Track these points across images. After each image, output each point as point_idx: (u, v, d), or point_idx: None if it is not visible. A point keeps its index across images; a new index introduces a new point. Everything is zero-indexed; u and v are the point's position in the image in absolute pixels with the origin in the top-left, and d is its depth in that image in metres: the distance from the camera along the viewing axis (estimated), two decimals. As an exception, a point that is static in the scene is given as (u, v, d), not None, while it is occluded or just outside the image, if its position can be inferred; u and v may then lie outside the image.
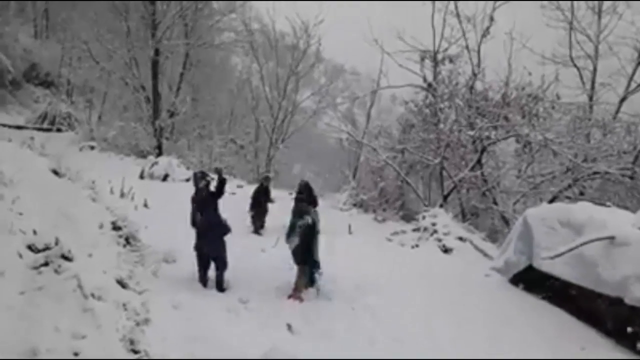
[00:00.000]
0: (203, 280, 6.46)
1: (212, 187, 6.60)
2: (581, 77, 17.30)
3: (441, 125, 15.19)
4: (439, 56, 16.55)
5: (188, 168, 16.34)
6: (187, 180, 10.41)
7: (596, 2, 16.82)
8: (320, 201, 8.61)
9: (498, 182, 14.34)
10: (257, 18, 25.52)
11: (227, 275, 6.60)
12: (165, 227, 7.23)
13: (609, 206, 7.64)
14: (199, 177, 6.57)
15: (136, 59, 19.03)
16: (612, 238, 5.97)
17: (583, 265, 6.18)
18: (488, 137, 13.80)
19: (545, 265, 6.85)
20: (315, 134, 29.43)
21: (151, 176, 14.90)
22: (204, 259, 6.47)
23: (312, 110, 27.35)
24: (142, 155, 18.49)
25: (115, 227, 6.41)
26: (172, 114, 20.51)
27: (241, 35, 23.19)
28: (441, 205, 13.70)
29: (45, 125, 20.88)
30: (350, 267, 7.70)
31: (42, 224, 4.56)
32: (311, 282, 6.74)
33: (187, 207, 6.61)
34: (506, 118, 13.88)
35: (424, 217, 12.03)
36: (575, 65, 17.25)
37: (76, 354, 3.38)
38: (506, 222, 13.26)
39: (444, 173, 14.93)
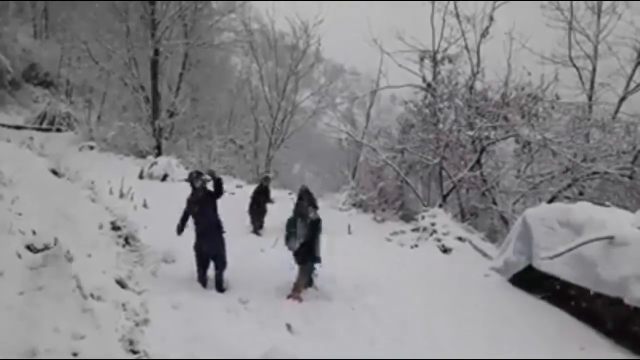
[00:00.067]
0: (202, 280, 6.46)
1: (209, 187, 6.59)
2: (580, 77, 17.32)
3: (440, 125, 15.20)
4: (439, 56, 16.56)
5: (187, 168, 16.32)
6: (186, 180, 10.40)
7: (595, 2, 16.84)
8: (319, 201, 8.63)
9: (497, 182, 14.35)
10: (256, 18, 25.54)
11: (227, 275, 6.60)
12: (164, 227, 7.21)
13: (608, 206, 7.63)
14: (195, 177, 6.55)
15: (135, 59, 19.00)
16: (611, 238, 5.97)
17: (582, 265, 6.18)
18: (487, 137, 13.82)
19: (545, 265, 6.85)
20: (314, 134, 29.42)
21: (150, 176, 14.89)
22: (203, 259, 6.46)
23: (311, 110, 27.35)
24: (142, 155, 18.47)
25: (115, 227, 6.41)
26: (171, 114, 20.50)
27: (241, 35, 23.17)
28: (440, 205, 13.71)
29: (44, 126, 20.86)
30: (350, 267, 7.70)
31: (41, 224, 4.55)
32: (310, 282, 6.75)
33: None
34: (505, 118, 13.89)
35: (423, 217, 12.03)
36: (574, 65, 17.27)
37: (75, 354, 3.38)
38: (505, 222, 13.27)
39: (444, 173, 14.95)
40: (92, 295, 4.06)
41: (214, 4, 22.36)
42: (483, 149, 14.03)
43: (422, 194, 15.77)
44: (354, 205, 15.14)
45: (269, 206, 10.90)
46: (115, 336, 3.94)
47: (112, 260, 5.42)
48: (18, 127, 19.04)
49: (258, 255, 8.30)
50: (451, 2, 16.24)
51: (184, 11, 19.29)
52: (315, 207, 7.43)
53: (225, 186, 6.61)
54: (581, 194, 13.23)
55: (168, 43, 19.33)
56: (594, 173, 12.55)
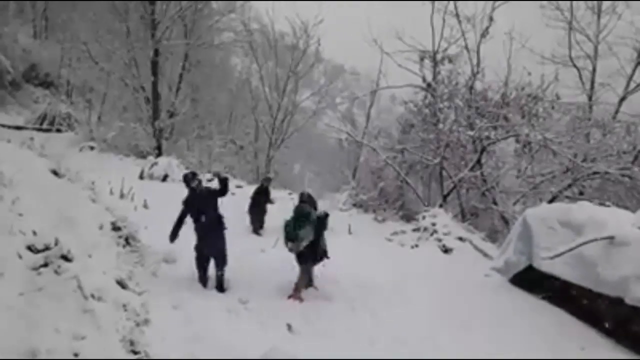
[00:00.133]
0: (203, 280, 6.46)
1: (211, 186, 6.58)
2: (580, 77, 17.34)
3: (441, 125, 15.20)
4: (439, 56, 16.57)
5: (187, 168, 16.31)
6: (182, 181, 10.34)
7: (595, 2, 16.86)
8: (319, 202, 8.63)
9: (498, 182, 14.34)
10: (256, 18, 25.61)
11: (227, 275, 6.60)
12: (165, 228, 7.20)
13: (608, 206, 7.64)
14: (190, 178, 6.54)
15: (136, 59, 19.01)
16: (611, 238, 5.96)
17: (583, 265, 6.18)
18: (488, 137, 13.80)
19: (545, 265, 6.85)
20: (315, 134, 29.43)
21: (151, 177, 14.90)
22: (204, 259, 6.46)
23: (311, 111, 27.40)
24: (142, 155, 18.48)
25: (115, 228, 6.40)
26: (171, 114, 20.51)
27: (241, 35, 23.20)
28: (441, 205, 13.71)
29: (44, 126, 20.88)
30: (350, 267, 7.69)
31: (41, 224, 4.55)
32: (310, 282, 6.75)
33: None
34: (506, 118, 13.89)
35: (423, 217, 12.03)
36: (574, 65, 17.28)
37: (76, 355, 3.38)
38: (506, 222, 13.26)
39: (444, 173, 14.94)
40: (92, 296, 4.06)
41: (214, 4, 22.41)
42: (483, 149, 14.03)
43: (423, 194, 15.77)
44: (354, 205, 15.14)
45: (269, 206, 10.91)
46: (116, 336, 3.94)
47: (113, 261, 5.42)
48: (18, 128, 19.06)
49: (258, 255, 8.30)
50: (451, 2, 16.29)
51: (184, 11, 19.31)
52: (316, 210, 7.42)
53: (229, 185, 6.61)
54: (581, 194, 13.23)
55: (168, 43, 19.36)
56: (595, 173, 12.54)
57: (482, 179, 14.18)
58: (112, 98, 22.95)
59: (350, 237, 11.10)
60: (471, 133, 14.09)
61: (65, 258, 4.18)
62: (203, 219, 6.40)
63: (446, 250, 10.64)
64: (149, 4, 18.27)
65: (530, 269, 7.31)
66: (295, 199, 10.83)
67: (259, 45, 25.23)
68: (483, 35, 15.75)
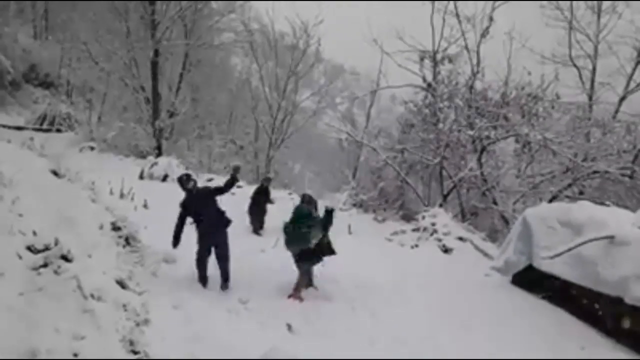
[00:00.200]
0: (203, 280, 6.45)
1: (206, 185, 6.58)
2: (581, 77, 17.36)
3: (441, 125, 15.20)
4: (439, 56, 16.57)
5: (187, 168, 16.33)
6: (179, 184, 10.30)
7: (595, 1, 16.88)
8: (319, 202, 8.63)
9: (498, 182, 14.35)
10: (256, 18, 25.60)
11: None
12: (165, 228, 7.21)
13: (608, 205, 7.64)
14: (185, 180, 6.55)
15: (136, 59, 19.02)
16: (611, 237, 5.97)
17: (583, 264, 6.18)
18: (487, 137, 13.81)
19: (545, 265, 6.86)
20: (315, 134, 29.42)
21: (151, 177, 14.90)
22: (205, 258, 6.45)
23: (311, 111, 27.39)
24: (142, 155, 18.49)
25: (115, 228, 6.40)
26: (171, 114, 20.52)
27: (241, 35, 23.20)
28: (441, 205, 13.71)
29: (44, 126, 20.89)
30: (350, 267, 7.69)
31: (41, 224, 4.55)
32: (310, 281, 6.75)
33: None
34: (506, 118, 13.90)
35: (423, 217, 12.03)
36: (574, 65, 17.30)
37: (76, 355, 3.38)
38: (506, 221, 13.26)
39: (444, 173, 14.94)
40: (92, 296, 4.06)
41: (214, 4, 22.40)
42: (483, 149, 14.03)
43: (423, 193, 15.77)
44: (354, 205, 15.13)
45: (269, 206, 10.91)
46: (116, 336, 3.94)
47: (113, 261, 5.42)
48: (18, 128, 19.07)
49: (258, 255, 8.30)
50: (451, 2, 16.29)
51: (184, 11, 19.31)
52: (316, 210, 7.42)
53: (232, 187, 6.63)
54: (581, 193, 13.23)
55: (168, 43, 19.37)
56: (594, 172, 12.55)
57: (482, 178, 14.18)
58: (112, 98, 22.97)
59: (350, 237, 11.09)
60: (471, 133, 14.10)
61: (65, 258, 4.18)
62: (203, 219, 6.40)
63: (446, 250, 10.63)
64: (149, 4, 18.27)
65: (530, 268, 7.32)
66: (295, 199, 10.84)
67: (259, 45, 25.23)
68: (483, 35, 15.76)
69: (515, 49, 16.40)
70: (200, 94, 24.07)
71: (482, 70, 15.67)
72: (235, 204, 10.01)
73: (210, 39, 21.99)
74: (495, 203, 13.84)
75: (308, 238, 6.38)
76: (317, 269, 6.85)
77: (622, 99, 16.06)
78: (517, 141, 14.22)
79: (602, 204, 7.96)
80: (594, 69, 17.11)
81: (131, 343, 4.01)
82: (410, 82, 16.53)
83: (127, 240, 6.45)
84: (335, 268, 7.11)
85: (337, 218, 7.19)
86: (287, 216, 6.82)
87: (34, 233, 4.37)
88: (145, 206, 10.37)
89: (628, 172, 12.03)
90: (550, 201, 11.91)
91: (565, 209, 7.27)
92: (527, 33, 16.61)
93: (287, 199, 13.19)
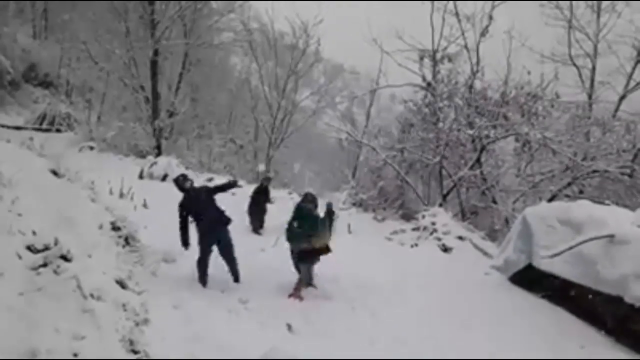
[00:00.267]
0: (203, 280, 6.45)
1: (204, 185, 6.59)
2: (580, 76, 17.36)
3: (440, 124, 15.20)
4: (438, 55, 16.59)
5: (187, 168, 16.34)
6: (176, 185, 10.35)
7: (595, 1, 16.89)
8: (319, 201, 8.64)
9: (497, 181, 14.35)
10: (256, 18, 25.55)
11: (227, 275, 6.61)
12: (164, 227, 7.21)
13: (608, 204, 7.65)
14: (182, 181, 6.56)
15: (135, 59, 18.99)
16: (611, 236, 5.97)
17: (582, 263, 6.18)
18: (487, 136, 13.81)
19: (545, 264, 6.86)
20: (314, 134, 29.40)
21: (150, 176, 14.89)
22: (206, 257, 6.45)
23: (311, 110, 27.38)
24: (141, 155, 18.48)
25: (115, 228, 6.39)
26: (171, 114, 20.50)
27: (240, 35, 23.17)
28: (441, 204, 13.71)
29: (44, 126, 20.87)
30: (350, 266, 7.69)
31: (41, 224, 4.55)
32: (310, 281, 6.76)
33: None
34: (505, 117, 13.90)
35: (423, 216, 12.03)
36: (574, 64, 17.30)
37: (76, 355, 3.37)
38: (506, 220, 13.26)
39: (444, 172, 14.94)
40: (92, 296, 4.06)
41: (214, 4, 22.37)
42: (483, 148, 14.03)
43: (422, 193, 15.77)
44: (354, 204, 15.13)
45: (268, 206, 10.91)
46: (116, 336, 3.94)
47: (112, 261, 5.41)
48: (18, 128, 19.05)
49: (258, 255, 8.30)
50: (450, 2, 16.30)
51: (183, 11, 19.28)
52: (316, 207, 7.43)
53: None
54: (581, 192, 13.24)
55: (167, 43, 19.34)
56: (594, 171, 12.56)
57: (482, 177, 14.18)
58: (111, 98, 22.96)
59: (350, 236, 11.10)
60: (471, 132, 14.10)
61: (65, 258, 4.18)
62: (203, 218, 6.41)
63: (446, 249, 10.64)
64: (148, 3, 18.25)
65: (530, 267, 7.32)
66: (294, 199, 10.84)
67: (259, 44, 25.21)
68: (482, 34, 15.78)
69: (515, 48, 16.40)
70: (200, 94, 24.06)
71: (481, 70, 15.69)
72: (235, 204, 10.02)
73: (209, 39, 21.97)
74: (495, 202, 13.84)
75: (310, 238, 6.40)
76: (317, 267, 6.85)
77: (622, 98, 16.06)
78: (516, 140, 14.23)
79: (601, 202, 7.96)
80: (594, 68, 17.12)
81: (131, 343, 4.01)
82: (410, 82, 16.54)
83: (127, 240, 6.44)
84: (335, 267, 7.11)
85: (337, 218, 7.19)
86: (287, 216, 6.82)
87: (34, 233, 4.36)
88: (144, 206, 10.36)
89: (628, 171, 12.04)
90: (550, 200, 11.91)
91: (565, 208, 7.27)
92: (527, 32, 16.65)
93: (286, 199, 13.19)
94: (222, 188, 6.53)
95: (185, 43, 19.95)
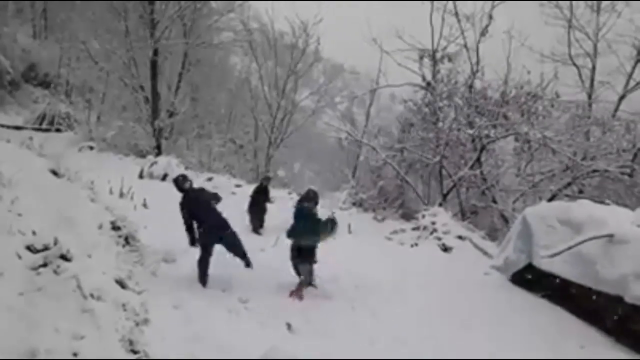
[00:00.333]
0: (203, 280, 6.44)
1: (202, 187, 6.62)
2: (580, 75, 17.36)
3: (440, 124, 15.20)
4: (438, 55, 16.59)
5: (187, 168, 16.33)
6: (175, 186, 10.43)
7: (595, 0, 16.84)
8: (319, 201, 8.64)
9: (497, 181, 14.35)
10: (255, 17, 25.54)
11: (227, 274, 6.60)
12: (164, 227, 7.22)
13: (608, 204, 7.64)
14: (181, 181, 6.58)
15: (135, 59, 18.99)
16: (611, 236, 5.97)
17: (582, 263, 6.18)
18: (487, 136, 13.81)
19: (545, 264, 6.86)
20: (314, 133, 29.40)
21: (150, 176, 14.89)
22: (207, 256, 6.44)
23: (311, 110, 27.37)
24: (141, 155, 18.48)
25: (115, 227, 6.38)
26: (171, 113, 20.50)
27: (240, 34, 23.16)
28: (440, 204, 13.71)
29: (44, 126, 20.88)
30: (350, 266, 7.70)
31: (41, 224, 4.54)
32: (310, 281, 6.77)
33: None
34: (505, 116, 13.90)
35: (423, 216, 12.03)
36: (574, 64, 17.30)
37: (75, 355, 3.37)
38: (505, 220, 13.27)
39: (444, 172, 14.94)
40: (92, 296, 4.06)
41: (213, 4, 22.36)
42: (483, 148, 14.03)
43: (422, 192, 15.77)
44: (354, 204, 15.13)
45: (268, 205, 10.91)
46: (116, 336, 3.93)
47: (112, 261, 5.41)
48: (18, 128, 19.06)
49: (258, 254, 8.26)
50: (450, 1, 16.29)
51: (183, 11, 19.28)
52: (316, 205, 7.44)
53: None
54: (581, 192, 13.24)
55: (167, 43, 19.34)
56: (594, 171, 12.56)
57: (482, 177, 14.18)
58: (111, 97, 22.95)
59: (350, 236, 11.09)
60: (471, 131, 14.10)
61: (65, 258, 4.17)
62: (204, 219, 6.42)
63: (446, 249, 10.64)
64: (148, 3, 18.25)
65: (529, 267, 7.32)
66: (294, 198, 10.84)
67: (259, 44, 25.21)
68: (482, 34, 15.77)
69: (515, 48, 16.39)
70: (200, 94, 24.05)
71: (481, 69, 15.70)
72: (235, 203, 10.02)
73: (209, 38, 21.96)
74: (494, 202, 13.84)
75: (310, 235, 6.42)
76: (316, 267, 6.85)
77: (622, 97, 16.06)
78: (516, 140, 14.24)
79: (601, 202, 7.95)
80: (594, 67, 17.12)
81: (131, 343, 4.01)
82: (410, 81, 16.55)
83: (127, 240, 6.43)
84: (335, 267, 7.11)
85: (337, 217, 7.18)
86: (287, 215, 6.83)
87: (34, 233, 4.36)
88: (144, 205, 10.36)
89: (627, 170, 12.04)
90: (550, 200, 11.91)
91: (565, 208, 7.27)
92: (527, 32, 16.65)
93: (286, 199, 13.19)
94: (217, 199, 6.61)
95: (184, 43, 19.95)
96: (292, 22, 24.71)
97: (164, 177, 14.88)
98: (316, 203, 6.96)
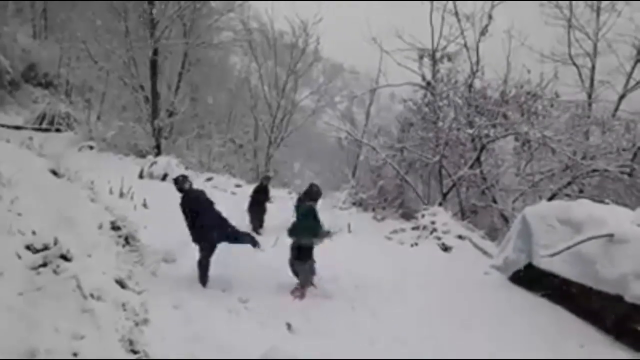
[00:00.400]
0: (203, 280, 6.45)
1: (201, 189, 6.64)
2: (580, 75, 17.36)
3: (440, 124, 15.19)
4: (438, 54, 16.59)
5: (187, 168, 16.33)
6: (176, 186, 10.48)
7: (595, 0, 16.84)
8: (319, 200, 8.64)
9: (497, 180, 14.35)
10: (255, 17, 25.57)
11: (227, 274, 6.60)
12: (164, 227, 7.21)
13: (608, 204, 7.64)
14: (182, 181, 6.58)
15: (135, 58, 18.98)
16: (611, 235, 5.97)
17: (582, 262, 6.19)
18: (487, 135, 13.80)
19: (545, 263, 6.86)
20: (314, 133, 29.42)
21: (150, 176, 14.87)
22: (207, 259, 6.45)
23: (311, 109, 27.39)
24: (141, 155, 18.47)
25: (115, 227, 6.39)
26: (171, 113, 20.50)
27: (240, 34, 23.17)
28: (440, 204, 13.71)
29: (44, 126, 20.86)
30: (350, 266, 7.70)
31: (41, 224, 4.55)
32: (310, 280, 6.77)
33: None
34: (505, 116, 13.89)
35: (423, 216, 12.02)
36: (574, 63, 17.30)
37: (75, 355, 3.38)
38: (505, 220, 13.27)
39: (443, 171, 14.94)
40: (92, 295, 4.06)
41: (213, 4, 22.36)
42: (483, 147, 14.03)
43: (422, 192, 15.77)
44: (354, 204, 15.13)
45: (268, 205, 10.90)
46: (115, 336, 3.94)
47: (112, 260, 5.41)
48: (17, 128, 19.05)
49: (258, 254, 8.27)
50: (450, 1, 16.28)
51: (182, 10, 19.27)
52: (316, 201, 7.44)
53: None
54: (581, 191, 13.24)
55: (167, 42, 19.33)
56: (594, 171, 12.56)
57: (482, 177, 14.18)
58: (111, 97, 22.95)
59: (350, 235, 11.09)
60: (470, 131, 14.09)
61: (65, 258, 4.18)
62: (204, 220, 6.42)
63: (446, 249, 10.63)
64: (148, 3, 18.23)
65: (529, 266, 7.32)
66: (294, 198, 10.83)
67: (258, 44, 25.22)
68: (482, 34, 15.76)
69: (515, 47, 16.36)
70: (200, 93, 24.07)
71: (481, 69, 15.69)
72: (235, 203, 10.03)
73: (209, 38, 21.96)
74: (494, 201, 13.84)
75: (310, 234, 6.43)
76: (317, 267, 6.85)
77: (622, 97, 16.06)
78: (516, 139, 14.23)
79: (601, 202, 7.95)
80: (593, 67, 17.12)
81: (131, 343, 4.01)
82: (410, 81, 16.54)
83: (127, 240, 6.44)
84: (335, 267, 7.11)
85: (337, 217, 7.18)
86: (287, 215, 6.84)
87: (33, 232, 4.36)
88: (144, 205, 10.35)
89: (627, 170, 12.04)
90: (550, 199, 11.91)
91: (565, 207, 7.27)
92: (526, 31, 16.64)
93: (286, 198, 13.18)
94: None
95: (184, 42, 19.95)
96: (292, 21, 24.77)
97: (164, 177, 14.87)
98: (316, 200, 6.95)
